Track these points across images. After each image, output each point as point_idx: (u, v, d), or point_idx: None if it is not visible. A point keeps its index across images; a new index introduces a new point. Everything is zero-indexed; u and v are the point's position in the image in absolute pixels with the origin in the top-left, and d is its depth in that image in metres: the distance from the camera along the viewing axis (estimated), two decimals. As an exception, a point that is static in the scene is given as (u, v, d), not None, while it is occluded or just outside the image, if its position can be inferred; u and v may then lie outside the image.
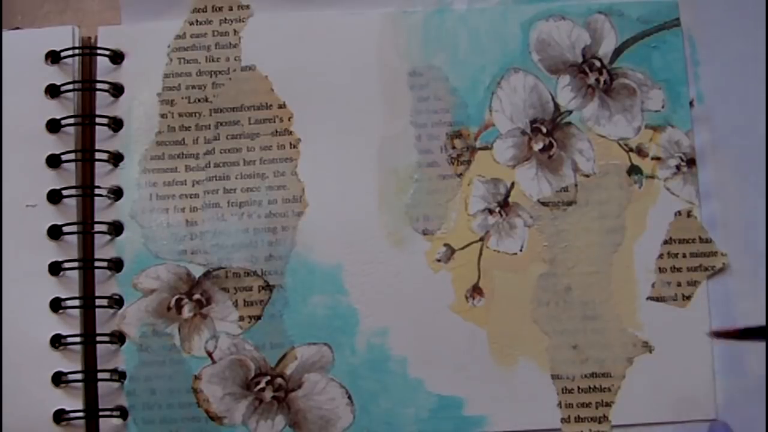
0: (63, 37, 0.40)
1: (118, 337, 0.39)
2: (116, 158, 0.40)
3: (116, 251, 0.39)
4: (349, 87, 0.40)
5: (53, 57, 0.40)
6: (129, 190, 0.40)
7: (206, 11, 0.41)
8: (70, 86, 0.40)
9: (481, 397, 0.38)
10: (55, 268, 0.39)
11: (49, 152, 0.40)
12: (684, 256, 0.39)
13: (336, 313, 0.39)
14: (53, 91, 0.40)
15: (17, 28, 0.41)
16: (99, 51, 0.40)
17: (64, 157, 0.40)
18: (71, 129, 0.40)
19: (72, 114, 0.40)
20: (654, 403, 0.38)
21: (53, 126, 0.40)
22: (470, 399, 0.38)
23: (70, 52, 0.40)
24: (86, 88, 0.40)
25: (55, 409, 0.38)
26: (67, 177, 0.40)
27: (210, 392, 0.39)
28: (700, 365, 0.38)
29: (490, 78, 0.40)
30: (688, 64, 0.40)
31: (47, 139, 0.40)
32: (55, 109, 0.40)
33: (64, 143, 0.40)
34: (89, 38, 0.41)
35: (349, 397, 0.39)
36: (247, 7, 0.41)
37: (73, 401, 0.38)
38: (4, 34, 0.41)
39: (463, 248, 0.39)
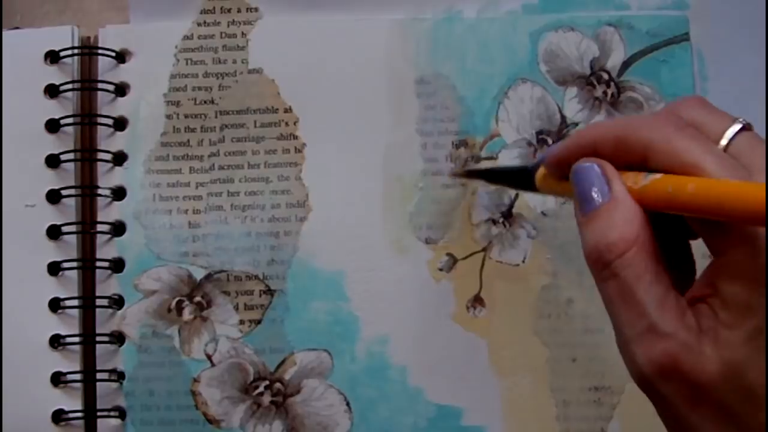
0: (62, 37, 0.40)
1: (118, 338, 0.39)
2: (119, 158, 0.40)
3: (118, 251, 0.39)
4: (356, 93, 0.40)
5: (52, 57, 0.40)
6: (133, 190, 0.40)
7: (215, 12, 0.41)
8: (69, 86, 0.40)
9: (479, 407, 0.38)
10: (54, 268, 0.39)
11: (48, 152, 0.39)
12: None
13: (337, 319, 0.39)
14: (52, 90, 0.40)
15: (17, 28, 0.41)
16: (99, 51, 0.40)
17: (63, 157, 0.39)
18: (70, 129, 0.40)
19: (71, 114, 0.40)
20: (653, 418, 0.38)
21: (52, 126, 0.40)
22: (469, 409, 0.38)
23: (69, 52, 0.40)
24: (85, 87, 0.40)
25: (54, 409, 0.38)
26: (66, 177, 0.40)
27: (208, 395, 0.39)
28: (699, 382, 0.38)
29: (498, 88, 0.40)
30: (696, 80, 0.40)
31: (46, 139, 0.40)
32: (55, 109, 0.40)
33: (63, 143, 0.40)
34: (89, 38, 0.41)
35: (348, 404, 0.39)
36: (256, 9, 0.41)
37: (71, 401, 0.38)
38: (4, 34, 0.40)
39: (465, 258, 0.39)
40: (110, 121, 0.40)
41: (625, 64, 0.40)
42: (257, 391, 0.39)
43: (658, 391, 0.23)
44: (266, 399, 0.39)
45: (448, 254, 0.39)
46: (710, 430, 0.22)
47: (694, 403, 0.22)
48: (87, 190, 0.40)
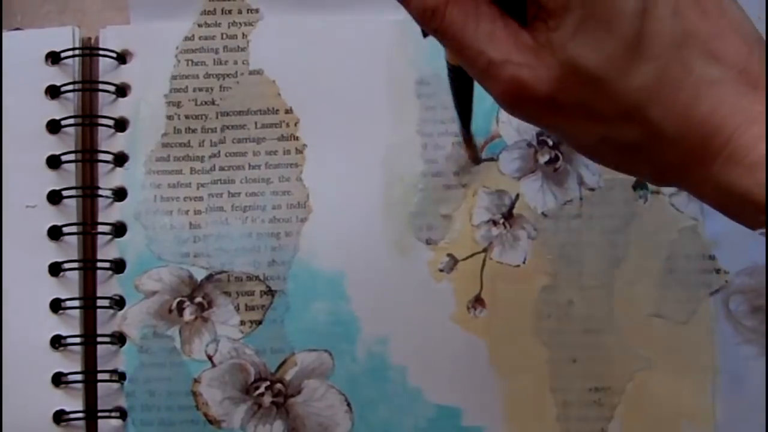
0: (63, 37, 0.40)
1: (119, 338, 0.39)
2: (120, 159, 0.40)
3: (119, 252, 0.39)
4: (357, 94, 0.40)
5: (53, 58, 0.40)
6: (133, 190, 0.40)
7: (215, 13, 0.41)
8: (70, 87, 0.40)
9: (479, 408, 0.38)
10: (55, 269, 0.39)
11: (49, 153, 0.39)
12: (687, 272, 0.39)
13: (337, 320, 0.39)
14: (53, 91, 0.40)
15: (17, 29, 0.41)
16: (99, 51, 0.40)
17: (64, 158, 0.39)
18: (71, 129, 0.40)
19: (72, 114, 0.40)
20: (653, 419, 0.38)
21: (53, 127, 0.40)
22: (469, 410, 0.38)
23: (70, 53, 0.40)
24: (86, 88, 0.40)
25: (55, 409, 0.38)
26: (67, 178, 0.40)
27: (209, 396, 0.39)
28: (699, 382, 0.38)
29: (498, 88, 0.40)
30: (696, 80, 0.40)
31: (47, 139, 0.40)
32: (56, 110, 0.40)
33: (64, 144, 0.40)
34: (89, 39, 0.41)
35: (348, 405, 0.39)
36: (257, 10, 0.41)
37: (72, 402, 0.38)
38: (4, 34, 0.40)
39: (466, 259, 0.39)
40: (111, 122, 0.40)
41: (626, 65, 0.40)
42: (258, 392, 0.39)
43: (527, 116, 0.24)
44: (267, 399, 0.39)
45: (449, 255, 0.39)
46: (581, 131, 0.23)
47: (555, 114, 0.23)
48: (88, 191, 0.40)
